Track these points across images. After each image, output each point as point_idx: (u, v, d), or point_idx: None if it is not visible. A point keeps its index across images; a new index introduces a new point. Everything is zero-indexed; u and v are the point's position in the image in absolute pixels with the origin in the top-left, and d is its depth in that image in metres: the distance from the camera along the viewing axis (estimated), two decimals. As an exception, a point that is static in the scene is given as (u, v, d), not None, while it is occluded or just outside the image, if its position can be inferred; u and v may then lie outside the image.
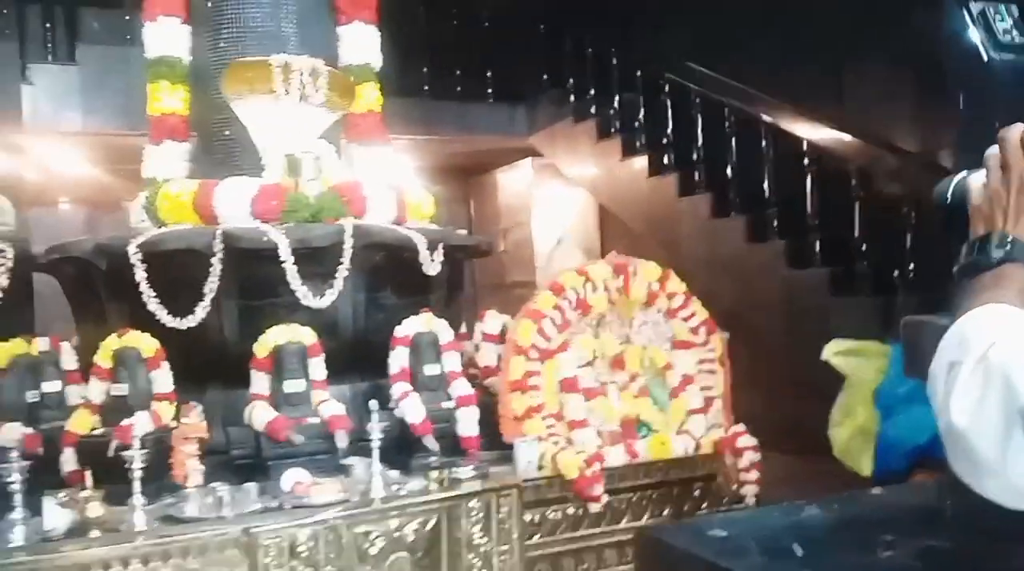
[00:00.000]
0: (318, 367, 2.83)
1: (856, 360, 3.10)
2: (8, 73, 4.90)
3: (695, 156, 5.18)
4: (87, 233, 6.26)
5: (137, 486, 2.31)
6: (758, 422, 3.07)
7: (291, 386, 2.76)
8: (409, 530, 2.48)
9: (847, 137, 4.25)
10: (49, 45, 5.32)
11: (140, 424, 2.56)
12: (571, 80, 6.51)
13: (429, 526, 2.50)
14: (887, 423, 2.94)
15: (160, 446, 2.59)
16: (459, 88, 6.77)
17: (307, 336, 2.82)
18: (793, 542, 1.50)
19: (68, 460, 2.65)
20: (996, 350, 0.70)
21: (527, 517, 2.64)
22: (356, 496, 2.48)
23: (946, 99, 4.20)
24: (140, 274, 2.84)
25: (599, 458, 2.73)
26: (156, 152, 3.43)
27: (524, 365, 2.86)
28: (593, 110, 6.25)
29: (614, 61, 6.01)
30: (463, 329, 3.51)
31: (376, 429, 2.55)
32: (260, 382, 2.78)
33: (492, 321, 3.35)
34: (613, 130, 6.05)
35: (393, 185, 3.44)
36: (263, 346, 2.77)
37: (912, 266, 3.78)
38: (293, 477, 2.53)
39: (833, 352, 3.14)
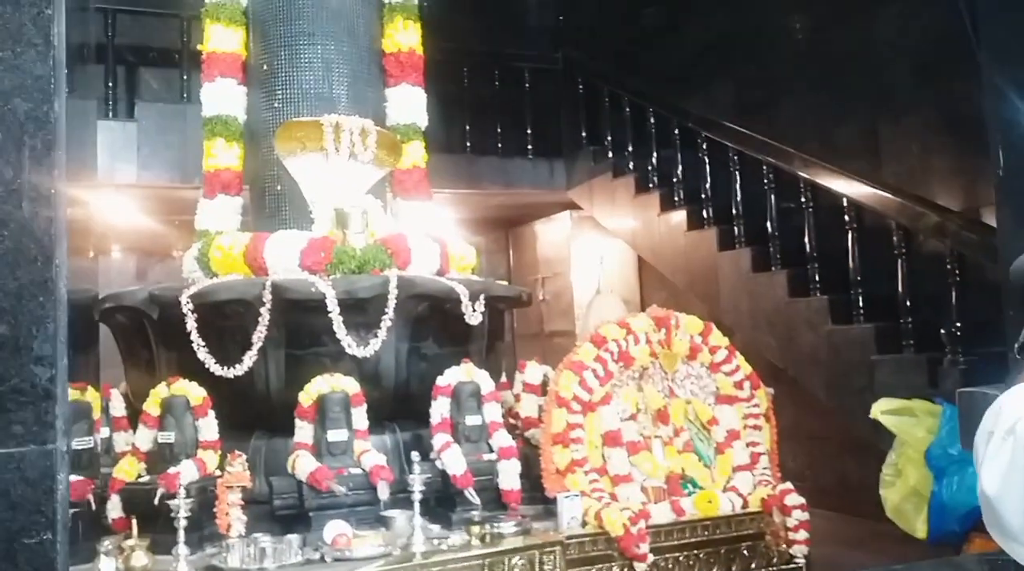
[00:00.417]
0: (360, 416, 2.85)
1: (905, 419, 3.03)
2: (87, 130, 5.16)
3: (734, 211, 5.19)
4: (137, 281, 6.48)
5: (181, 535, 2.33)
6: (803, 479, 2.99)
7: (334, 435, 2.78)
8: (450, 585, 2.44)
9: (887, 194, 4.23)
10: (110, 103, 5.59)
11: (186, 472, 2.60)
12: (609, 136, 6.61)
13: (471, 582, 2.46)
14: (940, 484, 2.85)
15: (205, 495, 2.62)
16: (500, 144, 6.92)
17: (350, 385, 2.85)
18: None
19: (114, 507, 2.68)
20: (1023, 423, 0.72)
21: (570, 575, 2.58)
22: (397, 550, 2.46)
23: (986, 157, 4.18)
24: (191, 323, 2.91)
25: (645, 515, 2.68)
26: (209, 205, 3.55)
27: (566, 417, 2.84)
28: (631, 165, 6.32)
29: (652, 119, 6.09)
30: (503, 379, 3.52)
31: (418, 481, 2.55)
32: (304, 431, 2.80)
33: (533, 371, 3.35)
34: (651, 185, 6.10)
35: (436, 238, 3.50)
36: (308, 395, 2.81)
37: (958, 323, 3.71)
38: (335, 529, 2.53)
39: (882, 410, 3.08)
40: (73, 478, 2.63)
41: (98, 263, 6.78)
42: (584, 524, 2.69)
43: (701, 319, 3.17)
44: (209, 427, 2.78)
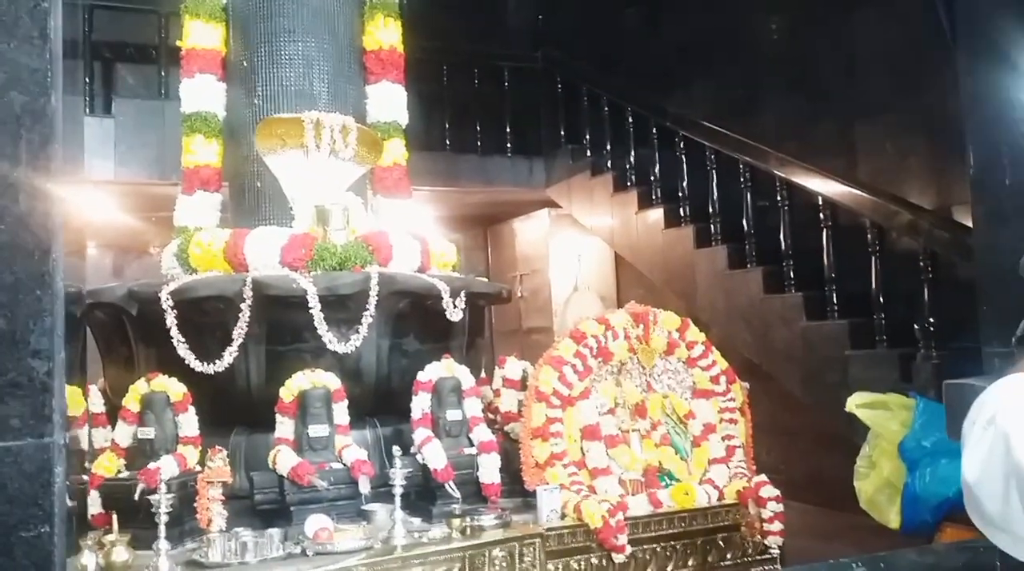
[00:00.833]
0: (342, 412, 2.86)
1: (880, 413, 3.10)
2: (74, 126, 5.12)
3: (711, 209, 5.27)
4: (114, 278, 6.42)
5: (162, 531, 2.33)
6: (778, 472, 3.06)
7: (315, 431, 2.79)
8: (431, 578, 2.47)
9: (861, 192, 4.31)
10: (87, 99, 5.54)
11: (166, 468, 2.60)
12: (588, 135, 6.66)
13: (451, 574, 2.49)
14: (913, 476, 2.92)
15: (185, 490, 2.62)
16: (479, 142, 6.94)
17: (331, 381, 2.86)
18: None
19: (94, 503, 2.68)
20: (1003, 413, 0.75)
21: (550, 566, 2.62)
22: (378, 543, 2.48)
23: (958, 156, 4.28)
24: (171, 319, 2.91)
25: (623, 507, 2.73)
26: (188, 202, 3.54)
27: (546, 412, 2.87)
28: (609, 164, 6.38)
29: (630, 118, 6.16)
30: (483, 374, 3.55)
31: (399, 475, 2.57)
32: (285, 426, 2.82)
33: (512, 367, 3.39)
34: (629, 183, 6.16)
35: (417, 235, 3.52)
36: (289, 390, 2.82)
37: (930, 319, 3.80)
38: (316, 523, 2.54)
39: (857, 404, 3.14)
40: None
41: (77, 260, 6.72)
42: (563, 516, 2.73)
43: (679, 315, 3.22)
44: (189, 423, 2.78)
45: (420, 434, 2.89)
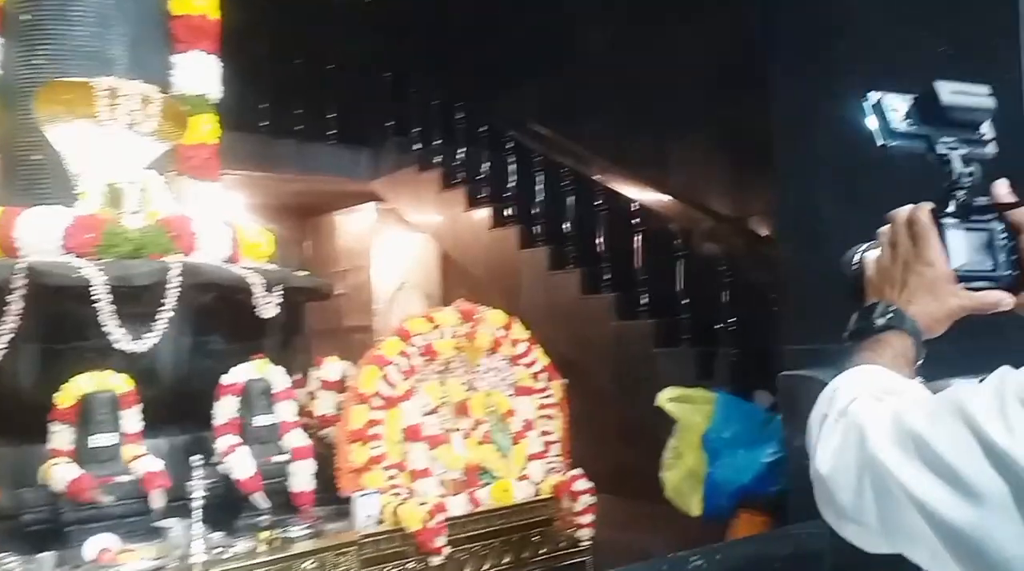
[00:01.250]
0: (132, 419, 2.56)
1: (686, 406, 3.29)
2: None
3: (535, 211, 5.37)
4: None
5: None
6: (590, 466, 3.14)
7: (99, 440, 2.47)
8: (235, 597, 2.27)
9: (670, 200, 4.59)
10: None
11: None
12: (417, 128, 6.55)
13: (258, 591, 2.31)
14: (714, 465, 3.11)
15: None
16: (299, 127, 6.60)
17: (120, 384, 2.55)
18: None
19: None
20: (856, 404, 0.76)
21: (365, 575, 2.50)
22: (173, 562, 2.25)
23: (755, 171, 4.67)
24: (-83, 311, 2.45)
25: (442, 508, 2.67)
26: (-54, 174, 3.02)
27: (367, 414, 2.75)
28: (438, 160, 6.31)
29: (460, 115, 6.13)
30: (298, 376, 3.34)
31: (198, 487, 2.34)
32: (61, 436, 2.47)
33: (331, 367, 3.22)
34: (457, 181, 6.13)
35: (227, 222, 3.24)
36: (67, 395, 2.47)
37: (730, 319, 4.10)
38: (98, 543, 2.25)
39: (666, 398, 3.32)
40: None
41: None
42: (380, 522, 2.62)
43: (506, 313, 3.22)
44: (-62, 433, 2.37)
45: (225, 441, 2.65)
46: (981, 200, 0.87)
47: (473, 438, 3.01)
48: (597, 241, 4.90)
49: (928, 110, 0.89)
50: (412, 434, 2.85)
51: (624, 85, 5.57)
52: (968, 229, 0.87)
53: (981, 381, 0.70)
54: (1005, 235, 0.86)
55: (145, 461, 2.50)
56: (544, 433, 3.15)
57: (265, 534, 2.40)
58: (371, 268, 7.32)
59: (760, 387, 3.44)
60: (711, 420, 3.18)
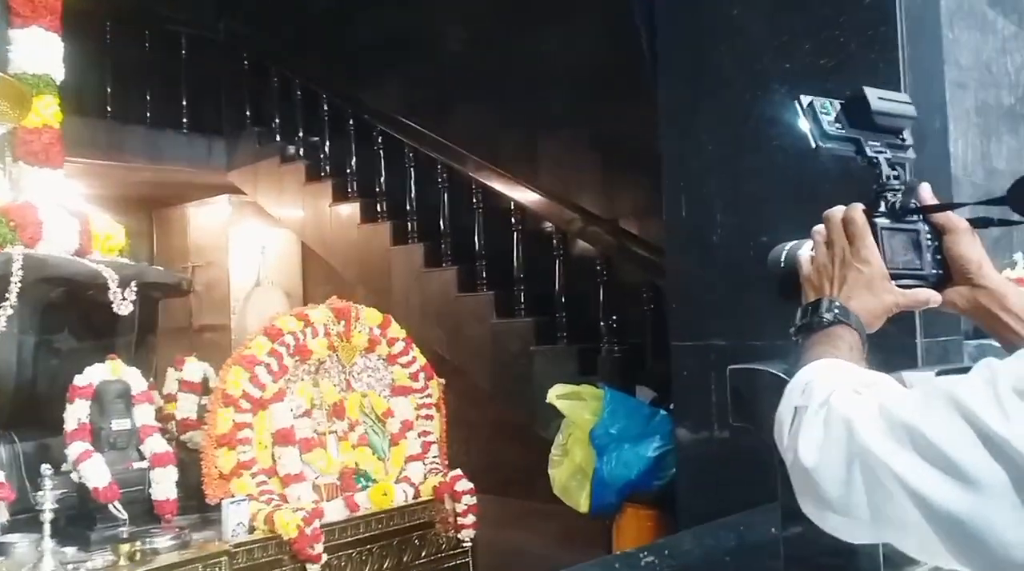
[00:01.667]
0: (-35, 427, 2.30)
1: (575, 403, 3.30)
2: None
3: (408, 207, 5.31)
4: None
5: None
6: (470, 466, 3.15)
7: (-76, 452, 2.20)
8: (91, 617, 2.09)
9: (545, 199, 4.68)
10: None
11: None
12: (277, 119, 6.30)
13: (118, 609, 2.14)
14: (601, 461, 3.15)
15: None
16: (148, 114, 6.17)
17: (-49, 389, 2.28)
18: None
19: None
20: (837, 396, 0.77)
21: (237, 585, 2.38)
22: (18, 583, 2.03)
23: (625, 172, 4.87)
24: None
25: (319, 514, 2.58)
26: None
27: (233, 417, 2.61)
28: (301, 152, 6.10)
29: (325, 106, 5.95)
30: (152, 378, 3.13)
31: (48, 498, 2.13)
32: None
33: (192, 368, 3.04)
34: (323, 174, 5.95)
35: (76, 212, 2.98)
36: None
37: (607, 318, 4.24)
38: (-76, 569, 2.00)
39: (556, 395, 3.33)
40: None
41: None
42: (252, 530, 2.50)
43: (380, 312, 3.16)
44: None
45: (76, 448, 2.43)
46: (907, 202, 0.92)
47: (348, 441, 2.93)
48: (474, 239, 4.90)
49: (856, 114, 0.93)
50: (283, 438, 2.73)
51: (492, 82, 5.61)
52: (898, 229, 0.91)
53: (946, 373, 0.74)
54: (930, 236, 0.92)
55: (-19, 474, 2.25)
56: (423, 433, 3.12)
57: (126, 547, 2.22)
58: (227, 264, 6.96)
59: (641, 382, 3.55)
60: (599, 416, 3.22)
